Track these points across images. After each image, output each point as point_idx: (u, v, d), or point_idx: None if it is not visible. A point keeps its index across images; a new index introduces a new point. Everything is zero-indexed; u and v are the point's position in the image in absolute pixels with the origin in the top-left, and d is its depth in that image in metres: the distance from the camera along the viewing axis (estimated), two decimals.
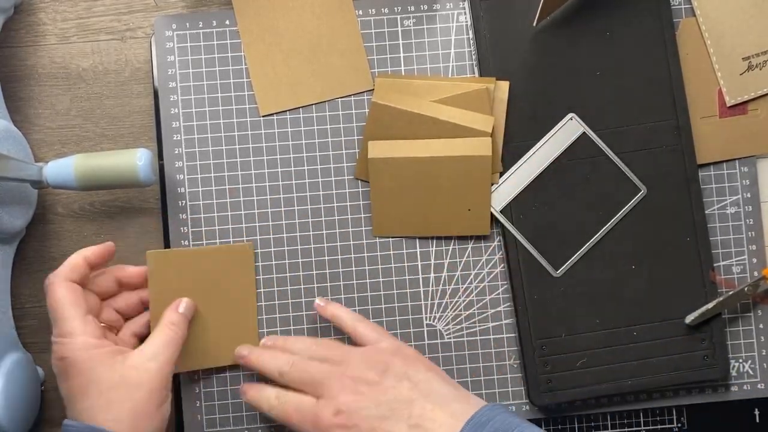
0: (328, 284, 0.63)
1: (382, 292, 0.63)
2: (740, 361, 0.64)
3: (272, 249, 0.63)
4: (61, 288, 0.55)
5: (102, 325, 0.57)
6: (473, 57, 0.64)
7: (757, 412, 0.64)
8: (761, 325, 0.64)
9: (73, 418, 0.53)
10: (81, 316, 0.54)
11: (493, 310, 0.63)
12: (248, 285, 0.62)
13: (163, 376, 0.54)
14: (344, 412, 0.53)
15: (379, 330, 0.59)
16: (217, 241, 0.63)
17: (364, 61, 0.64)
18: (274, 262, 0.63)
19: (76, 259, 0.56)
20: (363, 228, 0.63)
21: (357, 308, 0.63)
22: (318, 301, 0.62)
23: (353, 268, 0.63)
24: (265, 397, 0.58)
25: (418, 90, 0.63)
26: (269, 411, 0.57)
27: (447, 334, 0.63)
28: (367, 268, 0.63)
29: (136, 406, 0.52)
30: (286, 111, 0.64)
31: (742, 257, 0.64)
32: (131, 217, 0.64)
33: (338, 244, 0.63)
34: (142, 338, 0.59)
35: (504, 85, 0.62)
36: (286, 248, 0.63)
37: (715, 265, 0.63)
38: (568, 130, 0.62)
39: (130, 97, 0.64)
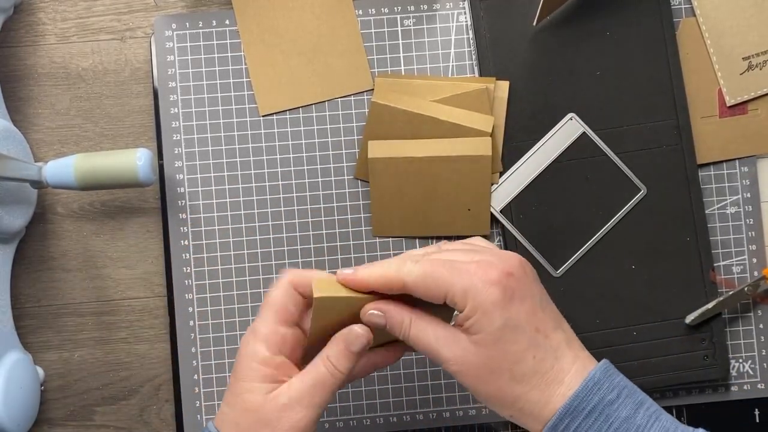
0: None
1: None
2: (740, 361, 0.64)
3: (272, 249, 0.63)
4: (283, 280, 0.48)
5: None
6: (473, 57, 0.64)
7: (757, 412, 0.64)
8: (761, 325, 0.64)
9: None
10: (276, 332, 0.48)
11: None
12: None
13: (293, 423, 0.46)
14: (514, 275, 0.46)
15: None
16: (217, 241, 0.63)
17: (364, 61, 0.64)
18: (274, 262, 0.63)
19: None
20: (363, 228, 0.63)
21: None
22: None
23: None
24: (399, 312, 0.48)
25: (418, 90, 0.63)
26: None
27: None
28: None
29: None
30: (285, 111, 0.64)
31: (742, 257, 0.64)
32: (131, 217, 0.64)
33: (338, 244, 0.63)
34: None
35: (504, 85, 0.62)
36: (286, 248, 0.63)
37: (715, 265, 0.63)
38: (568, 130, 0.62)
39: (129, 97, 0.64)
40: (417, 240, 0.63)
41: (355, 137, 0.63)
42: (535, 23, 0.62)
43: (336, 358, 0.47)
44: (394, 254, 0.63)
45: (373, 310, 0.48)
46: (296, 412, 0.46)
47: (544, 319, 0.47)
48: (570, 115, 0.62)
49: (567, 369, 0.46)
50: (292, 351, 0.49)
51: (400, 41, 0.64)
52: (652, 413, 0.45)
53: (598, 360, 0.48)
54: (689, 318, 0.61)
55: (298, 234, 0.63)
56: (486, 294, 0.45)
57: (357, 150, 0.63)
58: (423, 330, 0.47)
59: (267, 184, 0.63)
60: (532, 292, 0.47)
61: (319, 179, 0.63)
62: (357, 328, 0.47)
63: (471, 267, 0.46)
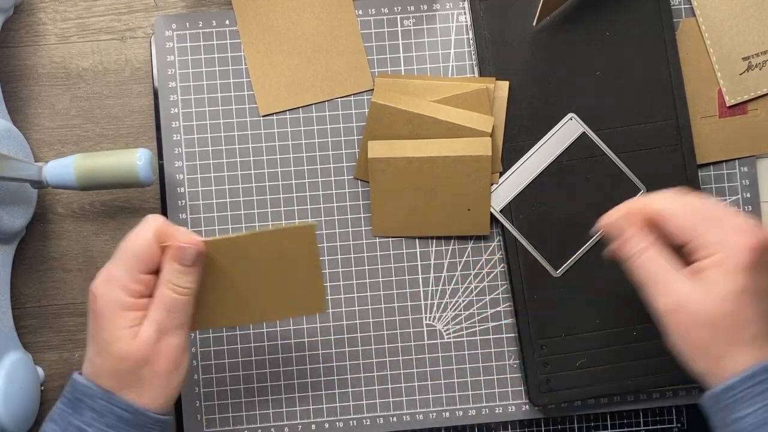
0: (329, 284, 0.63)
1: (382, 292, 0.63)
2: None
3: None
4: (148, 232, 0.49)
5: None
6: (473, 57, 0.64)
7: None
8: None
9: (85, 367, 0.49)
10: (135, 268, 0.49)
11: (492, 310, 0.63)
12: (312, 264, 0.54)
13: (170, 347, 0.49)
14: None
15: None
16: None
17: (364, 61, 0.64)
18: None
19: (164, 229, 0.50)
20: (363, 228, 0.63)
21: (357, 308, 0.63)
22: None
23: (353, 268, 0.63)
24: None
25: (417, 90, 0.63)
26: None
27: (447, 334, 0.63)
28: (366, 268, 0.63)
29: (139, 375, 0.48)
30: (285, 111, 0.64)
31: None
32: (131, 217, 0.64)
33: (338, 244, 0.63)
34: None
35: (504, 85, 0.62)
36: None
37: None
38: (568, 130, 0.62)
39: (130, 97, 0.64)
40: (417, 240, 0.63)
41: (355, 137, 0.63)
42: (535, 23, 0.62)
43: (175, 277, 0.49)
44: (394, 254, 0.63)
45: (619, 213, 0.49)
46: (165, 343, 0.48)
47: None
48: (570, 115, 0.62)
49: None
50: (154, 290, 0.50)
51: (400, 41, 0.64)
52: None
53: None
54: None
55: None
56: (741, 253, 0.45)
57: (357, 150, 0.63)
58: (658, 259, 0.47)
59: (267, 184, 0.63)
60: None
61: (319, 179, 0.63)
62: (182, 243, 0.49)
63: (735, 221, 0.46)
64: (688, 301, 0.46)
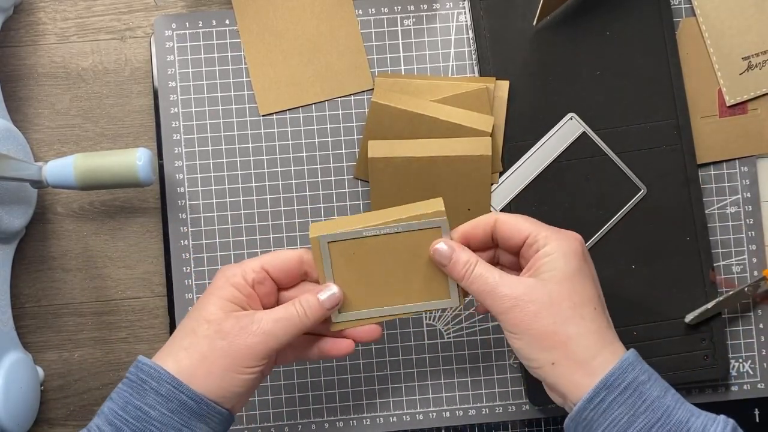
0: None
1: None
2: (740, 360, 0.64)
3: (272, 249, 0.63)
4: (288, 253, 0.52)
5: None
6: (473, 57, 0.64)
7: (757, 412, 0.64)
8: (761, 325, 0.64)
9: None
10: (256, 271, 0.51)
11: None
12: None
13: (249, 347, 0.48)
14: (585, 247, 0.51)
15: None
16: (217, 241, 0.63)
17: (364, 60, 0.63)
18: None
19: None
20: None
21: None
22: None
23: None
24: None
25: (418, 90, 0.63)
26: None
27: (447, 334, 0.63)
28: None
29: (203, 354, 0.48)
30: (285, 111, 0.64)
31: (742, 257, 0.64)
32: (131, 216, 0.64)
33: None
34: None
35: (504, 85, 0.62)
36: (285, 248, 0.63)
37: (715, 265, 0.63)
38: (568, 129, 0.62)
39: (129, 97, 0.64)
40: None
41: (355, 137, 0.63)
42: (535, 23, 0.62)
43: (307, 304, 0.50)
44: None
45: (442, 244, 0.51)
46: (255, 336, 0.49)
47: (602, 296, 0.50)
48: (570, 115, 0.62)
49: (615, 352, 0.48)
50: (264, 297, 0.52)
51: (400, 41, 0.64)
52: (679, 398, 0.47)
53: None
54: (689, 318, 0.61)
55: (297, 234, 0.63)
56: (568, 241, 0.49)
57: (357, 150, 0.63)
58: (487, 270, 0.49)
59: (267, 184, 0.63)
60: (595, 272, 0.51)
61: (319, 179, 0.63)
62: (333, 286, 0.51)
63: (555, 227, 0.51)
64: (526, 293, 0.48)
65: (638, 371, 0.47)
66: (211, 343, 0.48)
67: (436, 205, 0.52)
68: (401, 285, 0.53)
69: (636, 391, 0.46)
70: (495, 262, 0.54)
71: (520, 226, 0.50)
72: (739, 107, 0.64)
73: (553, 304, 0.47)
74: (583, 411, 0.47)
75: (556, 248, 0.49)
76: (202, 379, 0.48)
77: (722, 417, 0.46)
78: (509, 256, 0.53)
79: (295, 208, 0.63)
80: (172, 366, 0.48)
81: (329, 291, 0.51)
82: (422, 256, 0.52)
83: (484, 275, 0.49)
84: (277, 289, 0.53)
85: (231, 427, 0.62)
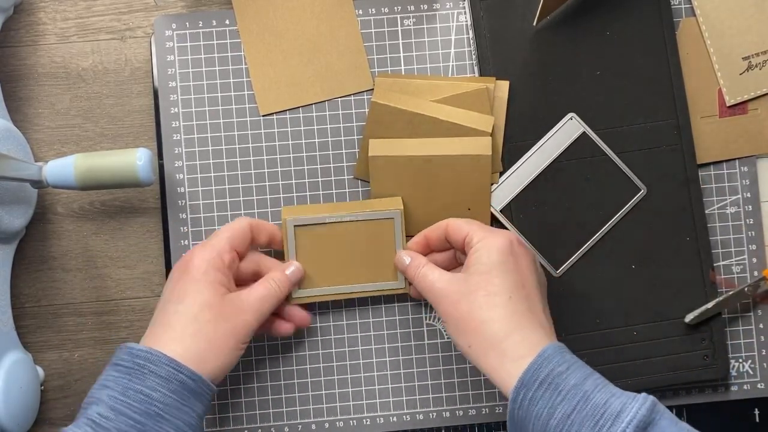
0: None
1: None
2: (740, 360, 0.64)
3: (272, 248, 0.63)
4: (241, 224, 0.57)
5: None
6: (473, 57, 0.64)
7: (757, 412, 0.64)
8: (761, 325, 0.64)
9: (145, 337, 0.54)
10: (228, 251, 0.56)
11: None
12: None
13: (246, 324, 0.55)
14: (518, 243, 0.55)
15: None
16: None
17: (364, 60, 0.64)
18: None
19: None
20: None
21: (357, 308, 0.63)
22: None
23: None
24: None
25: (418, 90, 0.63)
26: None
27: (447, 334, 0.63)
28: None
29: (210, 338, 0.53)
30: (285, 111, 0.64)
31: (742, 257, 0.64)
32: (131, 216, 0.64)
33: None
34: None
35: (504, 85, 0.62)
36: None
37: (715, 265, 0.63)
38: (568, 129, 0.62)
39: (129, 97, 0.64)
40: None
41: (355, 137, 0.63)
42: (535, 23, 0.62)
43: (279, 280, 0.57)
44: None
45: (404, 252, 0.59)
46: (248, 315, 0.55)
47: (533, 290, 0.54)
48: (570, 115, 0.62)
49: (527, 338, 0.51)
50: (234, 273, 0.57)
51: (400, 41, 0.64)
52: (600, 382, 0.49)
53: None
54: (689, 318, 0.61)
55: None
56: (495, 239, 0.54)
57: (357, 150, 0.63)
58: (430, 269, 0.56)
59: (267, 183, 0.63)
60: (529, 267, 0.55)
61: (319, 179, 0.63)
62: (296, 263, 0.59)
63: (492, 228, 0.58)
64: (452, 286, 0.54)
65: (555, 363, 0.49)
66: (216, 326, 0.53)
67: (395, 203, 0.60)
68: (356, 268, 0.60)
69: (552, 384, 0.48)
70: (456, 262, 0.60)
71: (462, 228, 0.56)
72: (739, 107, 0.64)
73: (470, 293, 0.53)
74: (512, 413, 0.50)
75: (483, 245, 0.54)
76: (212, 361, 0.52)
77: (642, 395, 0.47)
78: (464, 256, 0.57)
79: None
80: (180, 351, 0.51)
81: (293, 266, 0.59)
82: (376, 244, 0.60)
83: (427, 274, 0.56)
84: (238, 264, 0.58)
85: (232, 427, 0.62)
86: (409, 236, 0.63)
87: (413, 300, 0.63)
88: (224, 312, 0.54)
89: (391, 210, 0.60)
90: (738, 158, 0.64)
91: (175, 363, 0.51)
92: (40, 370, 0.63)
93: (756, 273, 0.64)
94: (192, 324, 0.53)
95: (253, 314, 0.55)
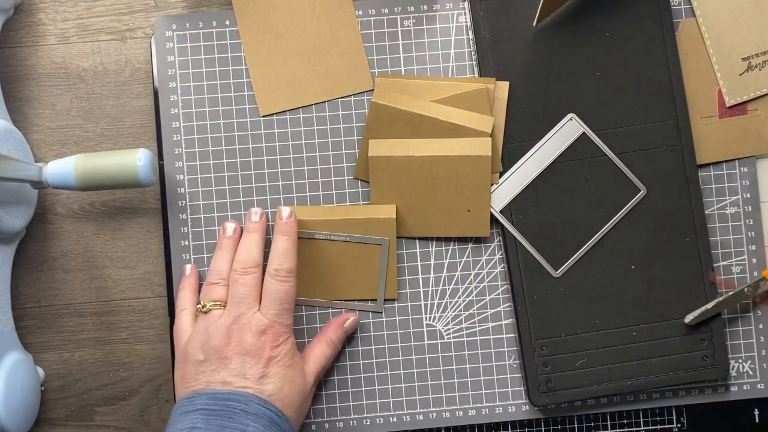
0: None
1: None
2: (740, 361, 0.64)
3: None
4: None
5: None
6: (473, 57, 0.64)
7: (756, 412, 0.64)
8: (761, 325, 0.64)
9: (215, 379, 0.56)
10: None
11: (492, 310, 0.63)
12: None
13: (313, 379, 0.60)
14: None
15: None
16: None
17: (364, 61, 0.64)
18: None
19: None
20: None
21: (357, 308, 0.63)
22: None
23: None
24: None
25: (417, 90, 0.63)
26: None
27: (447, 334, 0.63)
28: None
29: (297, 391, 0.57)
30: (285, 111, 0.64)
31: (742, 257, 0.64)
32: (131, 217, 0.64)
33: None
34: None
35: (504, 85, 0.62)
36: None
37: (715, 265, 0.63)
38: (568, 130, 0.62)
39: (130, 97, 0.64)
40: (417, 240, 0.63)
41: (355, 137, 0.63)
42: (535, 23, 0.62)
43: (337, 339, 0.61)
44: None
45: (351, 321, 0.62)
46: (312, 374, 0.60)
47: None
48: (570, 115, 0.62)
49: None
50: None
51: (400, 41, 0.64)
52: None
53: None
54: (689, 318, 0.61)
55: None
56: None
57: (357, 150, 0.63)
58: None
59: (267, 184, 0.63)
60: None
61: (319, 179, 0.63)
62: (354, 317, 0.62)
63: None
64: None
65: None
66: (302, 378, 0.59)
67: (389, 210, 0.61)
68: (338, 284, 0.62)
69: None
70: None
71: None
72: (739, 108, 0.64)
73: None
74: None
75: None
76: (297, 409, 0.58)
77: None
78: None
79: None
80: (274, 393, 0.56)
81: (350, 319, 0.62)
82: (362, 265, 0.62)
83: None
84: None
85: None
86: (406, 238, 0.63)
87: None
88: (304, 388, 0.58)
89: (380, 237, 0.61)
90: (738, 158, 0.64)
91: (262, 401, 0.55)
92: (40, 371, 0.63)
93: (756, 273, 0.64)
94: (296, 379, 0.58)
95: (312, 380, 0.59)
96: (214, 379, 0.56)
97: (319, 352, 0.60)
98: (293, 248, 0.58)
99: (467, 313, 0.63)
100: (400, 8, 0.64)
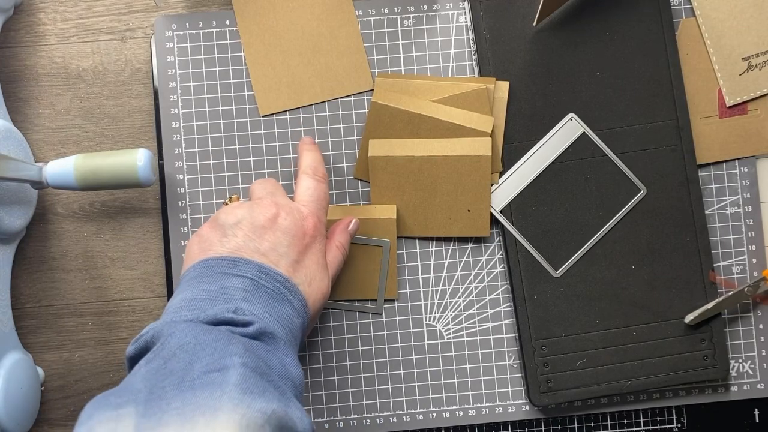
0: None
1: None
2: (740, 361, 0.64)
3: None
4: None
5: None
6: (473, 57, 0.64)
7: (756, 412, 0.64)
8: (761, 325, 0.64)
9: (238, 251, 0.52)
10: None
11: (492, 310, 0.63)
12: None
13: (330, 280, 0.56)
14: None
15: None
16: None
17: (364, 61, 0.64)
18: None
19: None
20: None
21: (357, 309, 0.63)
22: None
23: None
24: None
25: (418, 90, 0.63)
26: None
27: (447, 334, 0.63)
28: None
29: (322, 294, 0.54)
30: (285, 111, 0.64)
31: (742, 257, 0.64)
32: (131, 217, 0.64)
33: None
34: None
35: (504, 85, 0.62)
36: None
37: (715, 265, 0.63)
38: (568, 130, 0.62)
39: (130, 97, 0.64)
40: (417, 240, 0.63)
41: (355, 137, 0.63)
42: (535, 23, 0.62)
43: (346, 242, 0.59)
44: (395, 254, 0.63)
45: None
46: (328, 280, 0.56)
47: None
48: (570, 115, 0.62)
49: None
50: None
51: (400, 41, 0.64)
52: None
53: None
54: (689, 318, 0.61)
55: None
56: None
57: (357, 150, 0.63)
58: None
59: None
60: None
61: None
62: (355, 219, 0.60)
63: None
64: None
65: None
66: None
67: (389, 211, 0.62)
68: (339, 283, 0.62)
69: None
70: None
71: None
72: (739, 108, 0.64)
73: None
74: None
75: None
76: (314, 314, 0.54)
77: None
78: None
79: None
80: (302, 284, 0.52)
81: (354, 222, 0.60)
82: (363, 265, 0.62)
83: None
84: None
85: None
86: (406, 238, 0.63)
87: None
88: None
89: (381, 239, 0.61)
90: (738, 158, 0.64)
91: (260, 266, 0.50)
92: (40, 371, 0.63)
93: (756, 273, 0.64)
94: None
95: (334, 278, 0.56)
96: (246, 246, 0.51)
97: (332, 257, 0.56)
98: (322, 160, 0.59)
99: (467, 313, 0.63)
100: (400, 8, 0.64)
